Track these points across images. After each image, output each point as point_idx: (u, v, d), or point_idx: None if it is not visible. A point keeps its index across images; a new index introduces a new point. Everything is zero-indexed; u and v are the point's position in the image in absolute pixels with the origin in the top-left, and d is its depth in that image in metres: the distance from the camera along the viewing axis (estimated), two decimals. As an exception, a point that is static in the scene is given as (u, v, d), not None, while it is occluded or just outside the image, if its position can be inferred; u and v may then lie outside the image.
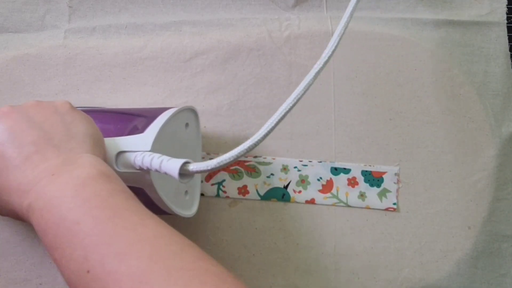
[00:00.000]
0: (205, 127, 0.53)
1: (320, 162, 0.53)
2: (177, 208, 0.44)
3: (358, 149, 0.53)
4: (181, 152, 0.44)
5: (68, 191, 0.32)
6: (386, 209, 0.52)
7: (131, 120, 0.44)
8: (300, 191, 0.52)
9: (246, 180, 0.52)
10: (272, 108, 0.53)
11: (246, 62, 0.54)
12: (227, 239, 0.52)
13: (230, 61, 0.54)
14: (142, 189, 0.41)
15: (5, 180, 0.35)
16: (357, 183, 0.53)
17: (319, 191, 0.53)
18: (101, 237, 0.29)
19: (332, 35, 0.55)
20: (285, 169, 0.53)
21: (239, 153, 0.37)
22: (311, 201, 0.52)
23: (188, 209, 0.47)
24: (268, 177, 0.52)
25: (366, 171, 0.53)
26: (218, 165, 0.36)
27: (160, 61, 0.54)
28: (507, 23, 0.57)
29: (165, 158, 0.37)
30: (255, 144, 0.37)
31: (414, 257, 0.52)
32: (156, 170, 0.38)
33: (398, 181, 0.53)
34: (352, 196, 0.52)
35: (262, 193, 0.52)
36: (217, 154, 0.52)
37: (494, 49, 0.56)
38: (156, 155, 0.38)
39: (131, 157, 0.39)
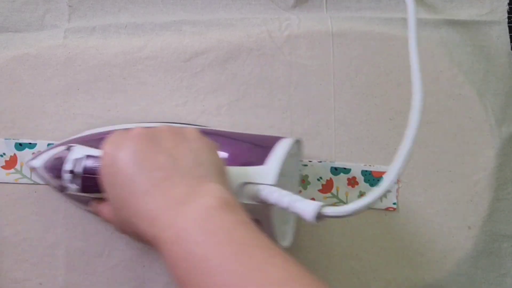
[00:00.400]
0: (204, 127, 0.53)
1: (320, 162, 0.53)
2: (279, 238, 0.43)
3: (358, 149, 0.53)
4: (285, 182, 0.43)
5: (194, 223, 0.32)
6: (386, 209, 0.52)
7: (247, 149, 0.44)
8: (300, 191, 0.52)
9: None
10: (272, 108, 0.53)
11: (246, 62, 0.54)
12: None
13: (230, 61, 0.54)
14: (257, 220, 0.40)
15: (135, 204, 0.35)
16: (357, 183, 0.53)
17: (319, 191, 0.52)
18: (230, 277, 0.29)
19: (332, 35, 0.55)
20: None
21: (373, 199, 0.37)
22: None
23: (285, 240, 0.46)
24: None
25: (366, 171, 0.53)
26: (353, 211, 0.36)
27: (160, 61, 0.54)
28: (508, 22, 0.56)
29: (296, 198, 0.37)
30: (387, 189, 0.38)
31: (414, 257, 0.52)
32: (283, 208, 0.37)
33: (398, 181, 0.53)
34: (352, 196, 0.52)
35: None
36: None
37: (495, 48, 0.56)
38: (284, 192, 0.38)
39: (255, 189, 0.39)
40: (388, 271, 0.52)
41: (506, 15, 0.57)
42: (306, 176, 0.52)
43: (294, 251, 0.52)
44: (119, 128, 0.49)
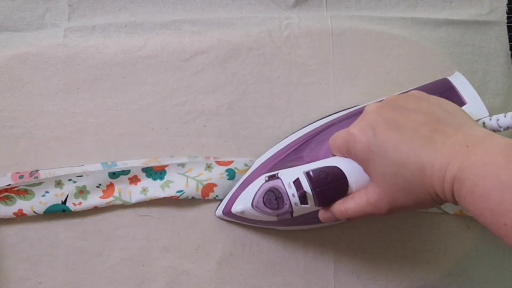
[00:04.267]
0: (204, 126, 0.53)
1: (98, 170, 0.51)
2: None
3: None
4: None
5: (499, 158, 0.33)
6: (170, 197, 0.52)
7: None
8: (80, 203, 0.51)
9: (20, 204, 0.50)
10: (272, 107, 0.53)
11: (246, 61, 0.54)
12: (226, 238, 0.52)
13: (230, 60, 0.54)
14: None
15: (417, 161, 0.36)
16: (139, 180, 0.52)
17: (101, 197, 0.51)
18: None
19: (332, 34, 0.55)
20: (59, 184, 0.51)
21: None
22: (95, 209, 0.51)
23: None
24: (43, 196, 0.51)
25: (147, 167, 0.52)
26: None
27: (160, 60, 0.54)
28: (507, 23, 0.57)
29: None
30: None
31: (414, 256, 0.52)
32: None
33: None
34: (135, 194, 0.52)
35: (40, 212, 0.50)
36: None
37: (495, 48, 0.56)
38: (509, 114, 0.40)
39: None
40: (387, 270, 0.52)
41: (506, 15, 0.57)
42: (84, 186, 0.51)
43: (294, 251, 0.52)
44: (284, 144, 0.51)
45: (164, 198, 0.51)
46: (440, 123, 0.38)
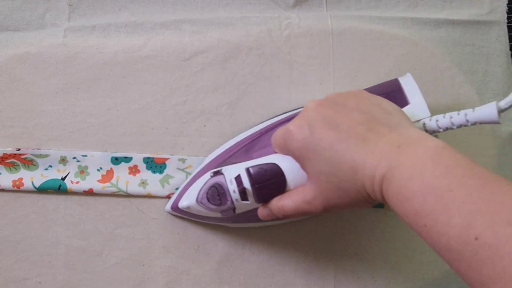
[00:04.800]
0: (204, 126, 0.53)
1: (102, 152, 0.52)
2: None
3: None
4: None
5: (427, 160, 0.33)
6: (167, 197, 0.52)
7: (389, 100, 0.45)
8: (78, 182, 0.52)
9: (23, 173, 0.52)
10: (272, 107, 0.53)
11: (246, 61, 0.54)
12: (226, 237, 0.52)
13: (230, 60, 0.54)
14: None
15: (350, 160, 0.36)
16: (138, 171, 0.52)
17: (98, 181, 0.52)
18: (483, 206, 0.30)
19: (332, 34, 0.55)
20: (63, 160, 0.52)
21: None
22: (89, 191, 0.52)
23: None
24: (46, 169, 0.52)
25: (148, 158, 0.52)
26: None
27: (160, 60, 0.54)
28: (507, 22, 0.56)
29: (466, 111, 0.38)
30: None
31: (414, 256, 0.52)
32: (460, 126, 0.39)
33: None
34: (132, 184, 0.52)
35: (37, 185, 0.51)
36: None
37: (495, 48, 0.56)
38: (452, 113, 0.39)
39: (419, 126, 0.41)
40: (388, 270, 0.52)
41: (506, 15, 0.57)
42: (86, 167, 0.52)
43: (294, 250, 0.52)
44: (237, 140, 0.50)
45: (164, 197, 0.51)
46: (377, 122, 0.38)
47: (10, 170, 0.51)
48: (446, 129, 0.40)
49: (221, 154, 0.50)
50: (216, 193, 0.45)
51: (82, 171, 0.52)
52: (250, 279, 0.51)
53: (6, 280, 0.50)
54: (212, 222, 0.51)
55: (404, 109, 0.42)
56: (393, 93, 0.45)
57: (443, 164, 0.33)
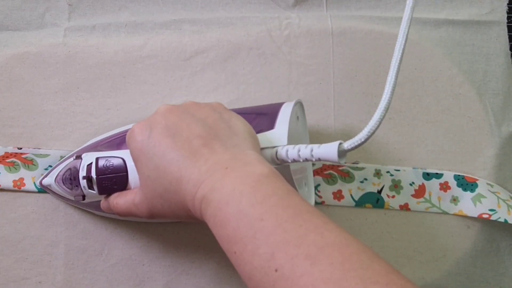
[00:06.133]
0: None
1: (414, 168, 0.53)
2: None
3: (358, 148, 0.53)
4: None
5: (246, 186, 0.32)
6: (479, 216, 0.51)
7: (253, 119, 0.44)
8: (393, 196, 0.52)
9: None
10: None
11: (246, 61, 0.54)
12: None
13: (230, 60, 0.54)
14: None
15: (176, 171, 0.35)
16: (449, 188, 0.53)
17: (412, 196, 0.52)
18: (288, 237, 0.29)
19: (332, 34, 0.55)
20: (378, 174, 0.53)
21: (380, 117, 0.37)
22: (405, 206, 0.52)
23: (309, 200, 0.48)
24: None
25: (459, 175, 0.52)
26: (368, 135, 0.37)
27: (160, 59, 0.54)
28: (507, 22, 0.56)
29: (314, 146, 0.38)
30: (387, 106, 0.38)
31: (414, 256, 0.52)
32: (305, 160, 0.38)
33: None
34: (444, 200, 0.52)
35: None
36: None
37: (495, 48, 0.56)
38: (301, 146, 0.38)
39: (270, 152, 0.40)
40: (387, 270, 0.52)
41: (506, 15, 0.57)
42: (399, 181, 0.53)
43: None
44: (121, 130, 0.49)
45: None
46: (216, 139, 0.37)
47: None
48: (294, 160, 0.39)
49: (99, 140, 0.49)
50: (70, 176, 0.45)
51: (396, 185, 0.53)
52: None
53: (6, 280, 0.50)
54: (79, 206, 0.50)
55: (266, 133, 0.41)
56: (267, 115, 0.44)
57: (261, 192, 0.32)
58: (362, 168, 0.53)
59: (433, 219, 0.53)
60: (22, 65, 0.53)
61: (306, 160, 0.38)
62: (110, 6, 0.55)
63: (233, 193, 0.32)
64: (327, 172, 0.52)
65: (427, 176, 0.53)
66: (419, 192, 0.53)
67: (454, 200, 0.52)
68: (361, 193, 0.52)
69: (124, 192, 0.42)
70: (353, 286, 0.26)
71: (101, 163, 0.43)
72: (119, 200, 0.42)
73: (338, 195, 0.52)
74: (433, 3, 0.57)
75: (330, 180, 0.52)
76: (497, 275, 0.53)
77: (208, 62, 0.54)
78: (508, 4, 0.57)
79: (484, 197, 0.52)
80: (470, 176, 0.53)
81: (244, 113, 0.46)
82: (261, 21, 0.55)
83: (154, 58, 0.54)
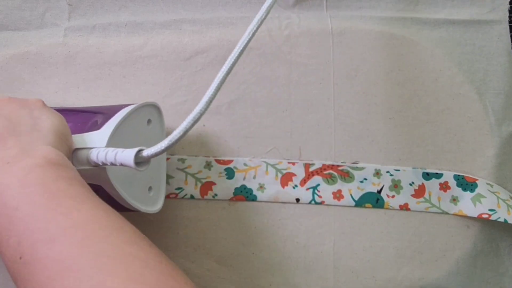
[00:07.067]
0: (204, 125, 0.53)
1: (414, 168, 0.53)
2: (140, 204, 0.43)
3: (358, 148, 0.53)
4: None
5: (15, 179, 0.32)
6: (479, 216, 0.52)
7: (90, 118, 0.43)
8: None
9: (340, 184, 0.52)
10: (272, 106, 0.53)
11: (246, 61, 0.54)
12: (226, 237, 0.52)
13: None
14: (100, 187, 0.41)
15: None
16: (449, 188, 0.53)
17: (412, 195, 0.53)
18: (35, 223, 0.29)
19: (332, 34, 0.54)
20: (377, 173, 0.53)
21: (186, 126, 0.36)
22: (405, 206, 0.52)
23: (153, 205, 0.46)
24: (361, 182, 0.52)
25: (459, 175, 0.53)
26: (170, 144, 0.36)
27: (160, 59, 0.54)
28: (509, 21, 0.56)
29: (119, 150, 0.37)
30: (200, 114, 0.37)
31: (414, 256, 0.52)
32: (112, 164, 0.37)
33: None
34: (444, 200, 0.52)
35: (356, 198, 0.52)
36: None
37: (496, 47, 0.56)
38: (110, 149, 0.38)
39: (85, 154, 0.39)
40: (387, 270, 0.52)
41: (507, 14, 0.56)
42: (399, 181, 0.53)
43: (293, 249, 0.52)
44: None
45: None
46: (12, 134, 0.36)
47: (328, 182, 0.52)
48: (103, 163, 0.38)
49: None
50: None
51: (396, 185, 0.53)
52: (250, 279, 0.52)
53: (7, 279, 0.50)
54: None
55: (90, 133, 0.41)
56: (105, 115, 0.43)
57: (25, 182, 0.32)
58: (362, 168, 0.53)
59: (433, 219, 0.53)
60: (22, 65, 0.53)
61: (112, 164, 0.37)
62: (110, 6, 0.55)
63: (1, 188, 0.32)
64: (327, 172, 0.52)
65: (427, 176, 0.53)
66: (419, 192, 0.53)
67: (454, 200, 0.52)
68: (361, 193, 0.52)
69: None
70: (84, 262, 0.27)
71: None
72: None
73: (338, 195, 0.52)
74: (433, 2, 0.56)
75: (330, 180, 0.52)
76: (497, 275, 0.53)
77: (208, 62, 0.54)
78: (509, 3, 0.56)
79: (484, 197, 0.52)
80: (470, 176, 0.53)
81: (87, 111, 0.45)
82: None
83: (154, 58, 0.54)
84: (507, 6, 0.56)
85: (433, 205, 0.52)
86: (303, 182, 0.52)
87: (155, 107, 0.47)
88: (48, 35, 0.54)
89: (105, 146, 0.39)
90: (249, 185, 0.52)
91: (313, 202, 0.52)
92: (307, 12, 0.56)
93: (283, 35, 0.54)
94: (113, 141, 0.40)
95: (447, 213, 0.52)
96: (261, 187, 0.52)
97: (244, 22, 0.55)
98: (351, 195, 0.52)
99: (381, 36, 0.55)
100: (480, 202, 0.52)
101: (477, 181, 0.52)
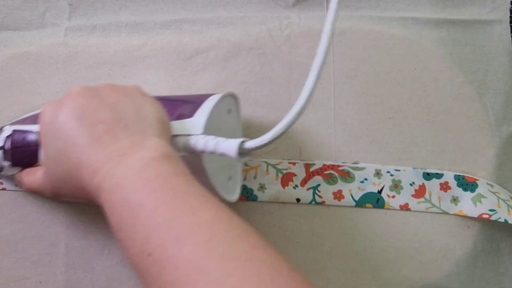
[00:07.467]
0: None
1: (414, 168, 0.53)
2: (224, 193, 0.44)
3: (358, 148, 0.53)
4: (224, 136, 0.45)
5: (132, 172, 0.32)
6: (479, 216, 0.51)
7: (178, 106, 0.44)
8: (394, 196, 0.52)
9: (341, 185, 0.52)
10: (272, 106, 0.53)
11: (246, 61, 0.54)
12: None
13: (230, 60, 0.54)
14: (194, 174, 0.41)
15: (77, 157, 0.35)
16: (449, 188, 0.52)
17: (412, 196, 0.52)
18: (162, 220, 0.29)
19: (332, 34, 0.54)
20: (378, 174, 0.53)
21: (290, 121, 0.37)
22: (405, 206, 0.52)
23: (232, 194, 0.48)
24: (362, 182, 0.52)
25: (459, 175, 0.52)
26: (273, 138, 0.36)
27: (160, 59, 0.54)
28: (510, 21, 0.56)
29: (220, 139, 0.37)
30: (301, 111, 0.37)
31: (414, 256, 0.52)
32: (211, 152, 0.38)
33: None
34: (445, 200, 0.52)
35: (356, 198, 0.52)
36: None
37: (496, 47, 0.56)
38: (210, 137, 0.38)
39: (182, 140, 0.39)
40: (387, 270, 0.52)
41: (508, 13, 0.56)
42: (399, 181, 0.53)
43: (293, 249, 0.52)
44: None
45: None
46: (120, 125, 0.36)
47: (329, 182, 0.52)
48: (202, 150, 0.38)
49: (28, 116, 0.49)
50: None
51: (396, 185, 0.53)
52: (250, 278, 0.51)
53: (7, 279, 0.50)
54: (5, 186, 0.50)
55: (184, 121, 0.41)
56: (193, 103, 0.43)
57: (145, 177, 0.32)
58: (362, 168, 0.53)
59: (433, 219, 0.53)
60: (23, 65, 0.53)
61: (212, 152, 0.38)
62: (110, 6, 0.55)
63: (120, 180, 0.32)
64: (327, 172, 0.52)
65: (427, 176, 0.53)
66: (420, 192, 0.52)
67: (454, 200, 0.52)
68: (361, 193, 0.52)
69: (33, 169, 0.42)
70: (213, 264, 0.27)
71: (17, 135, 0.43)
72: (27, 176, 0.42)
73: (338, 195, 0.52)
74: (434, 2, 0.56)
75: (330, 180, 0.52)
76: (497, 275, 0.53)
77: (208, 62, 0.54)
78: (511, 2, 0.56)
79: (484, 197, 0.51)
80: (470, 176, 0.53)
81: (171, 99, 0.46)
82: (261, 21, 0.55)
83: (155, 57, 0.54)
84: (508, 6, 0.56)
85: (434, 205, 0.52)
86: (304, 182, 0.52)
87: (234, 97, 0.48)
88: (48, 35, 0.54)
89: (201, 134, 0.39)
90: (249, 185, 0.52)
91: (313, 202, 0.52)
92: (308, 12, 0.56)
93: (283, 35, 0.54)
94: (206, 129, 0.40)
95: (447, 213, 0.52)
96: (262, 187, 0.52)
97: (244, 22, 0.55)
98: (351, 195, 0.52)
99: (381, 36, 0.54)
100: (480, 202, 0.51)
101: (477, 181, 0.52)
